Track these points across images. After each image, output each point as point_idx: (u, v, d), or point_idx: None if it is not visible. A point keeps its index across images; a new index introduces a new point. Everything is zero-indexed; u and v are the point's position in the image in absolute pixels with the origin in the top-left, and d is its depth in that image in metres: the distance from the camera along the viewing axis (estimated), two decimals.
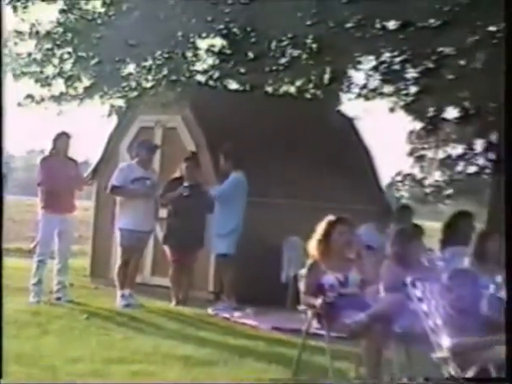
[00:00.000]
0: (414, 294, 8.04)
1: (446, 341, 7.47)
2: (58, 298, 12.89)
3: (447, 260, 11.88)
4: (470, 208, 17.02)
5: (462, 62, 17.23)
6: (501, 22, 14.80)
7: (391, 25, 17.21)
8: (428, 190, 25.22)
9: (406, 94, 19.36)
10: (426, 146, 25.00)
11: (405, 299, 8.43)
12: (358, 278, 9.13)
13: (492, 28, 15.87)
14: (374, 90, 19.28)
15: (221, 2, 16.70)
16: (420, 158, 25.68)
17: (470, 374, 7.10)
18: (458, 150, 23.48)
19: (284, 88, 19.56)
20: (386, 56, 18.42)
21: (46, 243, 12.90)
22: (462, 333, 7.41)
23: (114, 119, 17.28)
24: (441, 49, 17.23)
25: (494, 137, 20.34)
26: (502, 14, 8.75)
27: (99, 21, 17.59)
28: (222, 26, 17.78)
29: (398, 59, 18.37)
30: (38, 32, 16.70)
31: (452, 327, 7.52)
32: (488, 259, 9.71)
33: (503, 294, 8.37)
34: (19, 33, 16.48)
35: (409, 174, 27.04)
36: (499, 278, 8.55)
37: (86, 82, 18.15)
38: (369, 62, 18.77)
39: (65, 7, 17.80)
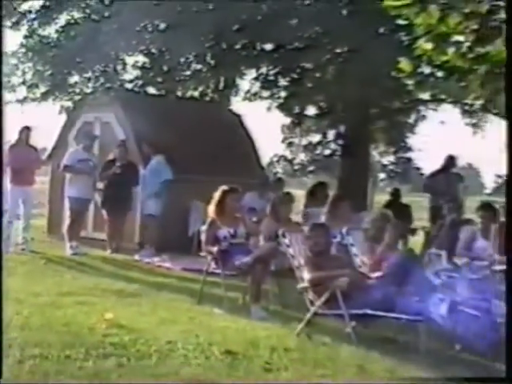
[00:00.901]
0: (284, 242, 8.12)
1: (306, 275, 7.56)
2: (23, 249, 12.82)
3: (309, 217, 12.04)
4: (326, 180, 17.19)
5: (318, 75, 17.41)
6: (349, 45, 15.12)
7: (268, 47, 17.33)
8: (296, 167, 25.44)
9: (279, 97, 19.51)
10: (293, 135, 25.25)
11: (277, 246, 8.52)
12: (244, 231, 9.20)
13: (338, 50, 16.07)
14: (255, 94, 19.40)
15: (143, 31, 16.73)
16: (290, 144, 25.88)
17: (323, 299, 7.20)
18: (316, 138, 23.71)
19: (190, 93, 19.55)
20: (264, 69, 18.53)
21: (13, 208, 12.81)
22: (317, 269, 7.52)
23: (64, 116, 17.32)
24: (303, 64, 17.40)
25: (342, 128, 20.60)
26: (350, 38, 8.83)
27: (53, 43, 17.68)
28: (143, 47, 17.77)
29: (272, 72, 18.49)
30: (6, 52, 16.52)
31: (310, 265, 7.62)
32: (338, 216, 9.88)
33: (347, 240, 8.55)
34: None
35: (282, 156, 27.21)
36: (344, 230, 8.68)
37: (43, 89, 18.21)
38: (251, 73, 18.87)
39: (27, 33, 17.87)
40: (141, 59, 18.58)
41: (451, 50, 6.71)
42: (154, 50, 17.74)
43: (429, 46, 6.83)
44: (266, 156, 20.80)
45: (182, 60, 17.84)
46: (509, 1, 5.83)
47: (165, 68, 17.73)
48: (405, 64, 7.29)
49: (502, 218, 8.60)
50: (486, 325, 7.55)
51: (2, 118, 5.79)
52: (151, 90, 18.66)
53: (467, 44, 6.63)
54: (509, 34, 5.50)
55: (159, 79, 18.22)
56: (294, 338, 7.02)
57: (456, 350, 6.82)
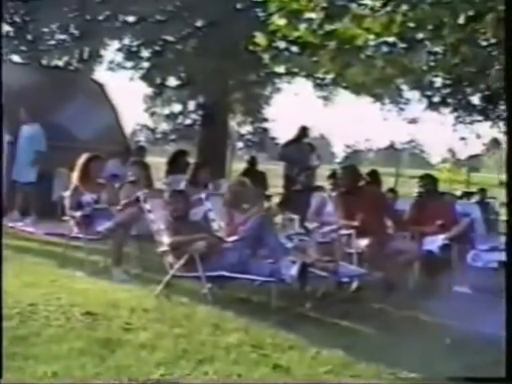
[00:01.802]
0: (145, 207, 8.05)
1: (166, 239, 7.53)
2: None
3: (170, 184, 11.95)
4: (186, 148, 17.13)
5: (179, 47, 17.31)
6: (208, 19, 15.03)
7: (130, 19, 17.07)
8: (158, 136, 25.26)
9: (141, 68, 19.26)
10: (155, 105, 25.06)
11: (139, 211, 8.43)
12: (107, 197, 9.06)
13: (198, 24, 16.03)
14: (118, 65, 19.09)
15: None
16: (152, 114, 25.67)
17: (181, 262, 7.19)
18: (177, 108, 23.61)
19: (55, 62, 19.04)
20: (127, 41, 18.26)
21: None
22: (176, 233, 7.50)
23: None
24: (165, 37, 17.24)
25: (202, 99, 20.59)
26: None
27: None
28: (7, 16, 17.15)
29: (135, 43, 18.24)
30: None
31: (170, 230, 7.59)
32: (199, 183, 9.86)
33: (206, 205, 8.54)
34: None
35: (145, 125, 26.97)
36: (203, 196, 8.65)
37: None
38: (114, 44, 18.56)
39: None
40: (5, 28, 17.93)
41: (303, 27, 6.78)
42: (17, 19, 17.17)
43: (282, 22, 6.89)
44: (128, 125, 20.53)
45: (46, 30, 17.34)
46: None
47: (29, 37, 17.20)
48: (260, 38, 7.34)
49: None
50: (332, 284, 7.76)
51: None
52: (16, 59, 18.07)
53: (317, 21, 6.72)
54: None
55: (23, 48, 17.66)
56: (153, 299, 6.99)
57: (306, 308, 6.95)
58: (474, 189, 19.90)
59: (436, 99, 16.08)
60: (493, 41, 8.92)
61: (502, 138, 19.41)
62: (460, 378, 5.22)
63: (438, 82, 14.87)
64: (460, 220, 9.45)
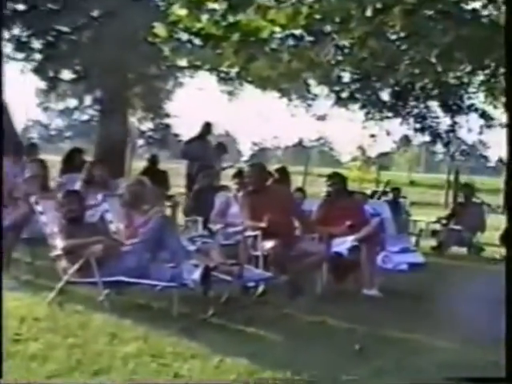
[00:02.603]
0: (37, 209, 7.91)
1: (59, 243, 7.41)
2: None
3: (64, 183, 11.74)
4: (83, 146, 16.89)
5: (74, 38, 17.08)
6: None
7: (20, 7, 16.76)
8: (52, 133, 24.90)
9: (33, 60, 18.89)
10: (49, 99, 24.65)
11: (29, 212, 8.28)
12: None
13: (95, 13, 15.84)
14: (7, 56, 18.67)
15: None
16: (46, 109, 25.26)
17: (76, 267, 7.09)
18: (73, 103, 23.30)
19: None
20: (17, 31, 17.91)
21: None
22: (71, 236, 7.38)
23: None
24: (59, 27, 16.99)
25: (99, 93, 20.35)
26: None
27: None
28: None
29: (25, 34, 17.90)
30: None
31: (64, 233, 7.46)
32: (95, 183, 9.75)
33: (103, 206, 8.44)
34: None
35: (37, 121, 26.51)
36: (100, 197, 8.55)
37: None
38: (3, 34, 18.15)
39: None
40: None
41: (205, 17, 6.77)
42: None
43: (183, 12, 6.86)
44: (20, 121, 20.16)
45: None
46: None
47: None
48: (160, 29, 7.30)
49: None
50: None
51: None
52: None
53: (220, 12, 6.72)
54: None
55: None
56: (45, 308, 6.87)
57: (207, 316, 6.94)
58: (384, 188, 20.29)
59: (344, 95, 16.31)
60: (402, 34, 9.10)
61: (413, 134, 19.80)
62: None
63: (347, 76, 15.08)
64: (370, 220, 9.59)
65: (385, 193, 16.35)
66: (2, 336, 4.97)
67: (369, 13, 7.96)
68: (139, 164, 21.32)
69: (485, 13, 8.50)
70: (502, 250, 13.60)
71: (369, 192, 16.98)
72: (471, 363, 5.78)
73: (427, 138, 19.07)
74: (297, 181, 21.06)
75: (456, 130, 12.52)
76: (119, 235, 7.88)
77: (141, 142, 29.69)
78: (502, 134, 23.37)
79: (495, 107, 17.89)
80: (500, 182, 29.24)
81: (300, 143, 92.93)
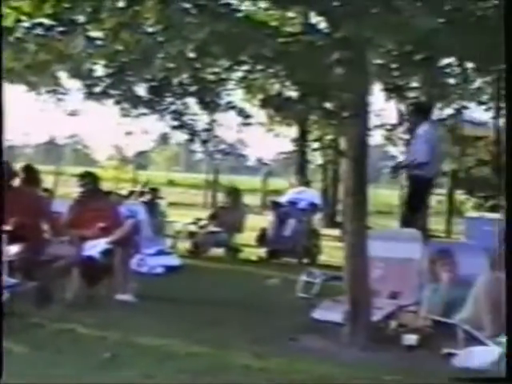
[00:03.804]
0: None
1: None
2: None
3: None
4: None
5: None
6: None
7: None
8: None
9: None
10: None
11: None
12: None
13: None
14: None
15: None
16: None
17: None
18: None
19: None
20: None
21: None
22: None
23: None
24: None
25: None
26: None
27: None
28: None
29: None
30: None
31: None
32: None
33: None
34: None
35: None
36: None
37: None
38: None
39: None
40: None
41: None
42: None
43: None
44: None
45: None
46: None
47: None
48: None
49: None
50: None
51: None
52: None
53: None
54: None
55: None
56: None
57: None
58: (141, 188, 20.33)
59: (98, 89, 16.13)
60: (159, 27, 9.13)
61: (171, 132, 19.94)
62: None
63: (100, 70, 14.90)
64: (124, 222, 9.60)
65: (142, 193, 16.38)
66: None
67: (121, 3, 7.93)
68: None
69: (242, 8, 8.74)
70: (260, 251, 14.14)
71: (125, 192, 16.94)
72: (226, 367, 5.94)
73: (186, 136, 19.26)
74: (48, 181, 20.66)
75: (214, 128, 12.73)
76: None
77: None
78: (261, 132, 24.21)
79: (255, 105, 18.46)
80: (258, 181, 30.24)
81: (52, 141, 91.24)
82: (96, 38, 9.53)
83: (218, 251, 14.00)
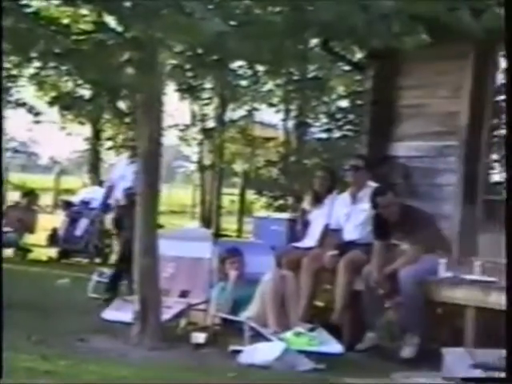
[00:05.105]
0: None
1: None
2: None
3: None
4: None
5: None
6: None
7: None
8: None
9: None
10: None
11: None
12: None
13: None
14: None
15: None
16: None
17: None
18: None
19: None
20: None
21: None
22: None
23: None
24: None
25: None
26: None
27: None
28: None
29: None
30: None
31: None
32: None
33: None
34: None
35: None
36: None
37: None
38: None
39: None
40: None
41: None
42: None
43: None
44: None
45: None
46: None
47: None
48: None
49: None
50: None
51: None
52: None
53: None
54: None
55: None
56: None
57: None
58: None
59: None
60: None
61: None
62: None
63: None
64: None
65: None
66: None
67: None
68: None
69: (33, 3, 8.48)
70: (51, 251, 13.85)
71: None
72: (9, 371, 5.72)
73: None
74: None
75: (2, 126, 12.31)
76: None
77: None
78: (54, 130, 23.70)
79: (47, 103, 18.05)
80: (50, 180, 29.56)
81: None
82: None
83: (7, 252, 13.54)
